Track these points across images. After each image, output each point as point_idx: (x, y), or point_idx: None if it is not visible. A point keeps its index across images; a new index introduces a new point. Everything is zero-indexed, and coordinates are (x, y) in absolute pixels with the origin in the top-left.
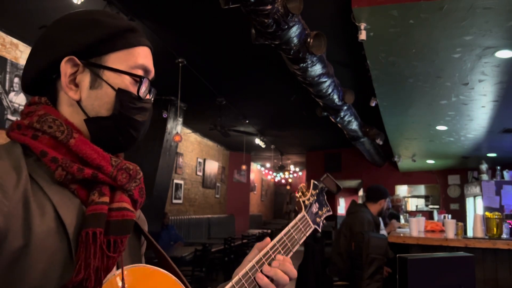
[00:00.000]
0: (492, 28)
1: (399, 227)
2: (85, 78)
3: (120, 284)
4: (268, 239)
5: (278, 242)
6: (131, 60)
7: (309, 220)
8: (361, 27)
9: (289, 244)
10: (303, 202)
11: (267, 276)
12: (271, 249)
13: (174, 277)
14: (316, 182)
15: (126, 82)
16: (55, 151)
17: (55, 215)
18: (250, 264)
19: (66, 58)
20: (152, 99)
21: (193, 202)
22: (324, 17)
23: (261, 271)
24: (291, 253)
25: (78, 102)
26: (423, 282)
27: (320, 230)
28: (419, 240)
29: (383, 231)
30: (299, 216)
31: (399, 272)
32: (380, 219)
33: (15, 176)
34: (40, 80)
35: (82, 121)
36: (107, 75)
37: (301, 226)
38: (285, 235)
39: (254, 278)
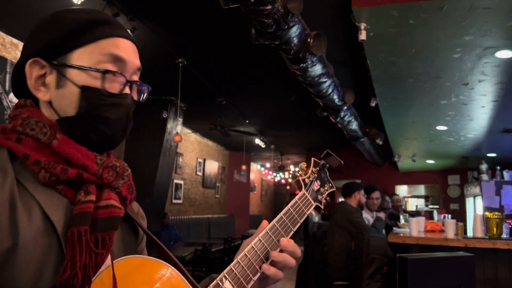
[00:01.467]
0: (492, 28)
1: (399, 227)
2: (52, 79)
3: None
4: (265, 221)
5: (277, 222)
6: (98, 54)
7: (310, 197)
8: (361, 27)
9: (289, 224)
10: (303, 180)
11: (276, 262)
12: (270, 229)
13: (166, 264)
14: (316, 160)
15: (95, 81)
16: (38, 153)
17: (42, 215)
18: (249, 247)
19: (30, 61)
20: (144, 95)
21: (193, 202)
22: (324, 17)
23: (267, 258)
24: (291, 233)
25: (50, 103)
26: (423, 282)
27: (322, 206)
28: (419, 240)
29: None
30: (299, 194)
31: (399, 272)
32: (375, 214)
33: (0, 179)
34: (21, 84)
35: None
36: (71, 73)
37: (301, 205)
38: (284, 214)
39: (253, 262)
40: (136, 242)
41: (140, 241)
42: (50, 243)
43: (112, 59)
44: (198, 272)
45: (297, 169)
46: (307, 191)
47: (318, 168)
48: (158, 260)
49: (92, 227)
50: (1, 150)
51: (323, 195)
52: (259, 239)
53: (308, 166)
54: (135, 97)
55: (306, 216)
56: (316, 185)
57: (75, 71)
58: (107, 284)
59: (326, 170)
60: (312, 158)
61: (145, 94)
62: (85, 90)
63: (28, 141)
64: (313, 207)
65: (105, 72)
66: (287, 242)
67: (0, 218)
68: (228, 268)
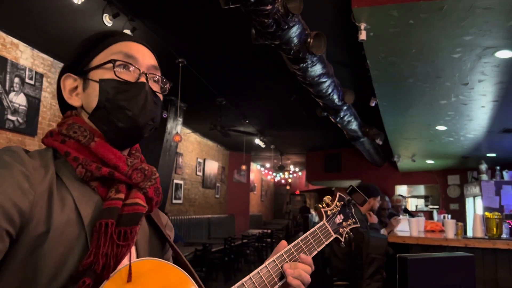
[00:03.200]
0: (492, 28)
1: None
2: (81, 86)
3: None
4: (283, 241)
5: (293, 247)
6: (108, 55)
7: (330, 229)
8: (361, 27)
9: (305, 250)
10: (325, 212)
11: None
12: (285, 253)
13: (182, 270)
14: (342, 194)
15: (109, 73)
16: (78, 153)
17: (74, 207)
18: (263, 266)
19: (63, 76)
20: (166, 88)
21: (193, 202)
22: (324, 17)
23: (281, 278)
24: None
25: (83, 107)
26: (423, 282)
27: (342, 239)
28: (419, 240)
29: (382, 231)
30: (319, 224)
31: (399, 272)
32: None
33: (43, 173)
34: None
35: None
36: (92, 74)
37: (320, 234)
38: (301, 241)
39: (265, 280)
40: (161, 249)
41: (167, 250)
42: (77, 233)
43: (122, 56)
44: (199, 272)
45: (324, 200)
46: (328, 222)
47: (342, 203)
48: (174, 265)
49: (117, 222)
50: (48, 150)
51: (345, 229)
52: (274, 260)
53: (332, 200)
54: (155, 89)
55: (324, 245)
56: (338, 218)
57: (94, 72)
58: (124, 279)
59: (351, 206)
60: (338, 193)
61: (167, 87)
62: (102, 82)
63: (70, 142)
64: (332, 238)
65: (115, 61)
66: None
67: (38, 206)
68: (240, 282)
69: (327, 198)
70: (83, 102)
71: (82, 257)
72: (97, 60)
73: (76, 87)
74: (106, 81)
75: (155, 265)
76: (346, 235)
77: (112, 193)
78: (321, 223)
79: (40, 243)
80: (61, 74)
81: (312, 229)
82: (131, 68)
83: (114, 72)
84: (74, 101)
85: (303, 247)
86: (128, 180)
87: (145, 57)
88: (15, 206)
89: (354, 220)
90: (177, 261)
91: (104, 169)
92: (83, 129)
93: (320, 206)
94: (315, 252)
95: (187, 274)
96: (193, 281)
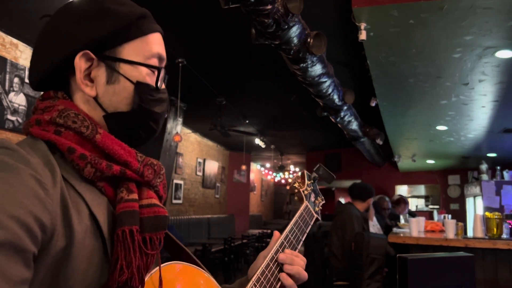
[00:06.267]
0: (492, 28)
1: (399, 227)
2: (100, 73)
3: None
4: (277, 232)
5: (289, 232)
6: (146, 49)
7: (311, 209)
8: (361, 27)
9: (298, 234)
10: (303, 192)
11: (289, 275)
12: (284, 239)
13: (207, 274)
14: (309, 173)
15: (143, 74)
16: (82, 148)
17: (89, 213)
18: (269, 256)
19: (80, 53)
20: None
21: (193, 202)
22: (324, 17)
23: (284, 270)
24: (301, 243)
25: (95, 98)
26: (423, 282)
27: (320, 218)
28: (419, 240)
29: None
30: (303, 206)
31: (399, 272)
32: (375, 219)
33: (50, 174)
34: (51, 76)
35: (101, 117)
36: (124, 68)
37: (305, 216)
38: (294, 225)
39: (276, 273)
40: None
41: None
42: (95, 244)
43: (157, 57)
44: None
45: (294, 180)
46: (308, 202)
47: (311, 181)
48: (200, 269)
49: (140, 227)
50: (38, 142)
51: (319, 207)
52: (277, 248)
53: (302, 177)
54: None
55: (310, 227)
56: (312, 197)
57: (129, 66)
58: (155, 287)
59: (316, 183)
60: (305, 171)
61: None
62: (138, 86)
63: (68, 134)
64: (314, 218)
65: (158, 68)
66: (285, 256)
67: (56, 216)
68: (253, 281)
69: (297, 177)
70: (100, 94)
71: (103, 270)
72: (130, 50)
73: (88, 68)
74: (143, 86)
75: (182, 269)
76: (319, 213)
77: (124, 193)
78: (304, 204)
79: (61, 261)
80: (70, 46)
81: (299, 212)
82: (162, 73)
83: (157, 82)
84: (88, 89)
85: (297, 231)
86: (139, 178)
87: (164, 52)
88: (37, 220)
89: (322, 197)
90: (176, 252)
91: (116, 167)
92: (82, 118)
93: (296, 186)
94: (305, 235)
95: (210, 276)
96: (216, 282)
